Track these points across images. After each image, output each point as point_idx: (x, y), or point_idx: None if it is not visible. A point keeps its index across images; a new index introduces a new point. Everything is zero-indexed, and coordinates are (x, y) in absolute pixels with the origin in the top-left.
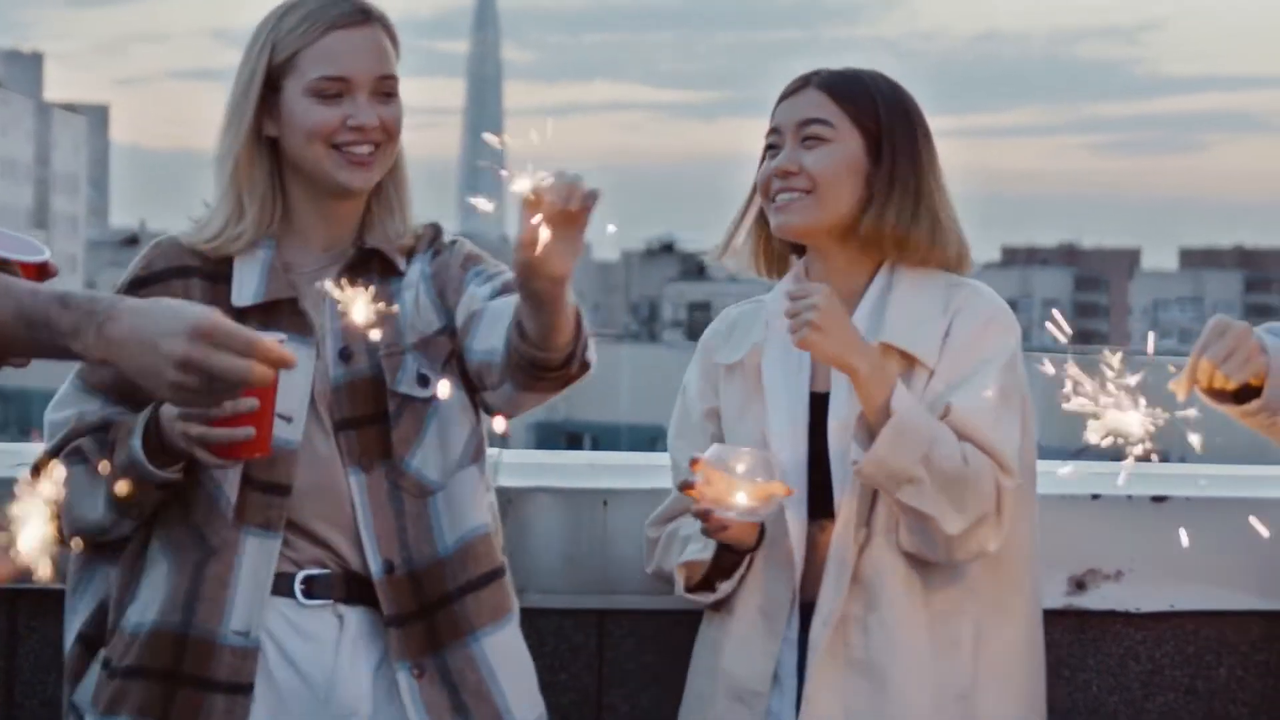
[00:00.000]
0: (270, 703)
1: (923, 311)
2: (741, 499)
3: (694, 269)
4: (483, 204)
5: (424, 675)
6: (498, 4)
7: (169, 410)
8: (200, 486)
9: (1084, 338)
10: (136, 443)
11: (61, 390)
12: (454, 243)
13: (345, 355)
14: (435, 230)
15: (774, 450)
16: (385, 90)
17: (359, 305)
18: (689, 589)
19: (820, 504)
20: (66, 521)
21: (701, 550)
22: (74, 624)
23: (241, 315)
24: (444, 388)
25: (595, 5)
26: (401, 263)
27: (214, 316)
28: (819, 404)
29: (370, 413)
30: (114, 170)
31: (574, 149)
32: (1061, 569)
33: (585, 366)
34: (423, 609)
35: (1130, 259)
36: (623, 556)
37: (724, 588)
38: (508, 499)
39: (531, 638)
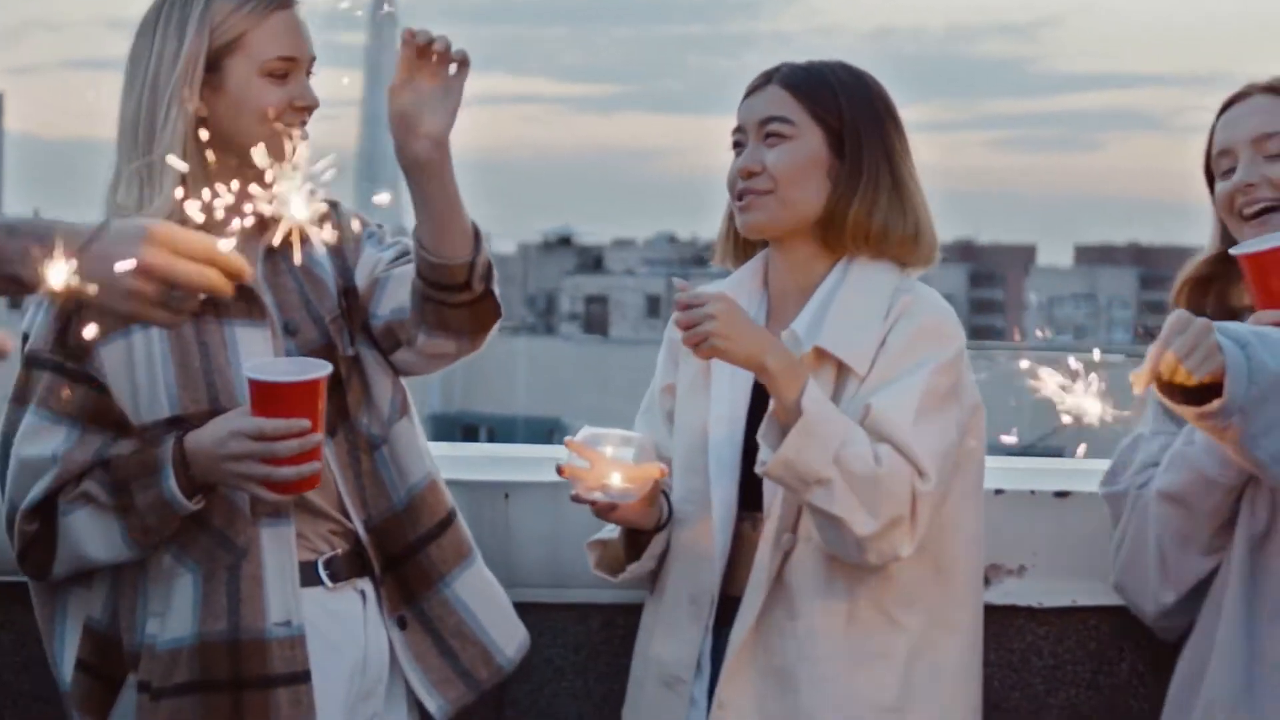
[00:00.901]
0: (322, 690)
1: (864, 316)
2: (616, 480)
3: (591, 262)
4: (382, 198)
5: (407, 626)
6: None
7: (206, 447)
8: (216, 493)
9: (979, 333)
10: (171, 484)
11: (25, 423)
12: (333, 202)
13: (290, 329)
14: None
15: (712, 439)
16: (312, 71)
17: (297, 203)
18: (597, 567)
19: (752, 498)
20: (66, 560)
21: (610, 530)
22: (66, 653)
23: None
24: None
25: None
26: (316, 233)
27: (167, 223)
28: (761, 397)
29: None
30: (7, 160)
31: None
32: None
33: (490, 295)
34: (390, 562)
35: (1026, 255)
36: (525, 549)
37: (632, 568)
38: None
39: None
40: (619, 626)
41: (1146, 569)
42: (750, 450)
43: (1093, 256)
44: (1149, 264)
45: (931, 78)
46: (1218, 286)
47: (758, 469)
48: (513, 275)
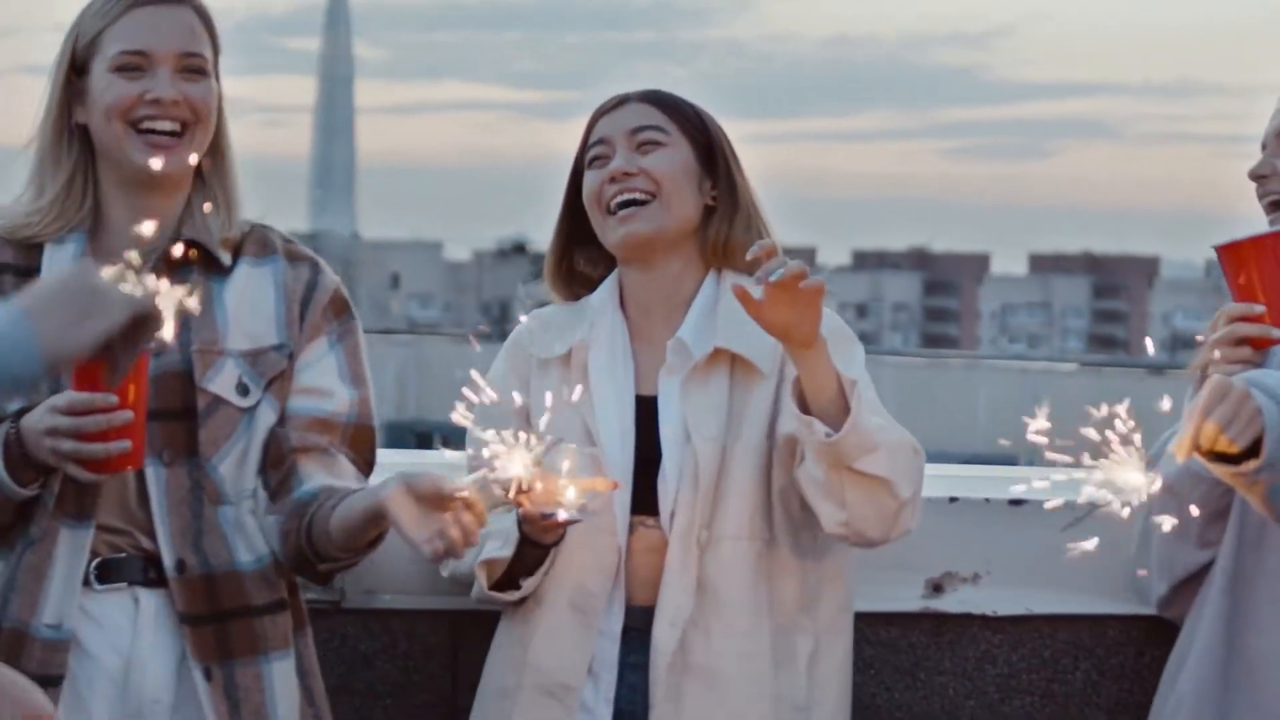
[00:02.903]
0: (68, 696)
1: (752, 322)
2: (571, 496)
3: (543, 270)
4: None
5: (211, 681)
6: (349, 2)
7: (33, 424)
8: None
9: (933, 342)
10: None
11: None
12: (318, 269)
13: (155, 347)
14: (269, 234)
15: (602, 448)
16: (191, 67)
17: (165, 301)
18: (491, 587)
19: (641, 503)
20: None
21: (501, 548)
22: None
23: None
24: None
25: (447, 4)
26: (225, 256)
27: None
28: (643, 406)
29: (176, 407)
30: None
31: (426, 148)
32: (919, 572)
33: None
34: (216, 614)
35: (980, 264)
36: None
37: (528, 584)
38: None
39: (385, 639)
40: None
41: (1149, 560)
42: (640, 460)
43: (1046, 265)
44: (1102, 273)
45: (884, 86)
46: None
47: (825, 441)
48: (466, 283)
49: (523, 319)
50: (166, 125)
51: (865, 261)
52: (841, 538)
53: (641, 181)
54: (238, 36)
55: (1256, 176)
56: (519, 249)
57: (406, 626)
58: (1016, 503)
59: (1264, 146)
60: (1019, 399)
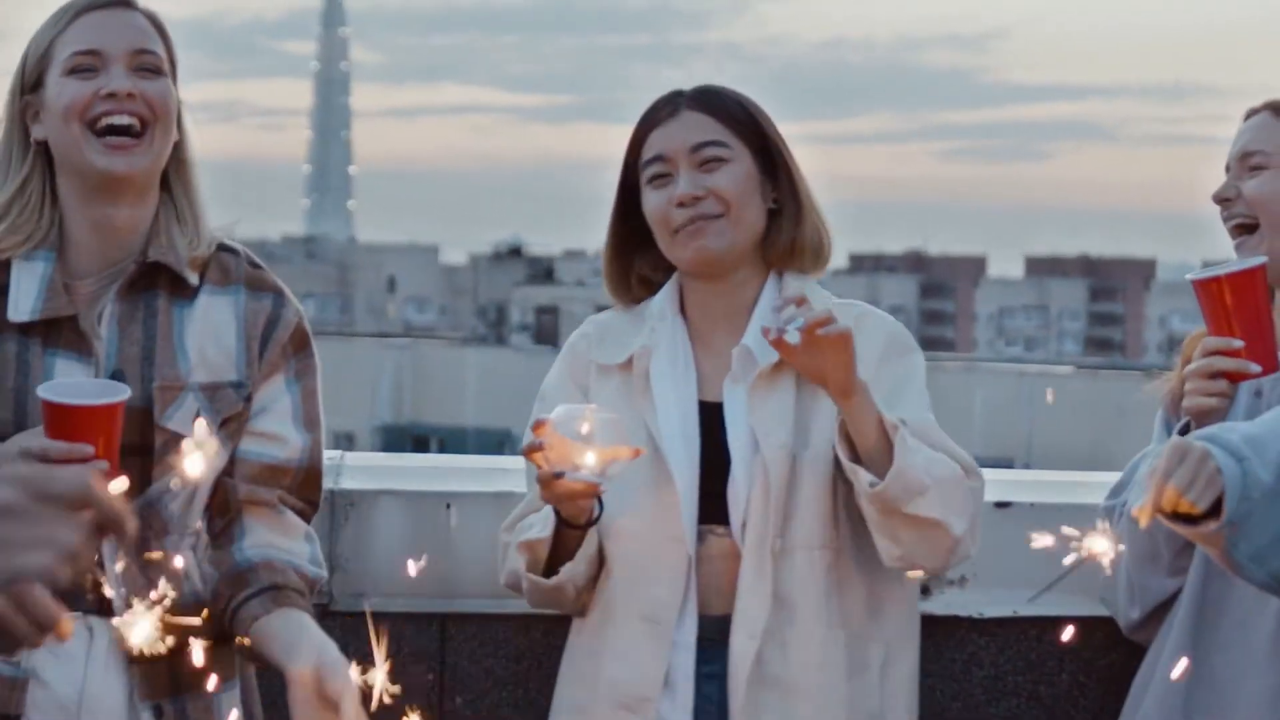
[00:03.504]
0: None
1: None
2: (590, 460)
3: (542, 273)
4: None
5: (163, 717)
6: (345, 5)
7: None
8: None
9: (930, 344)
10: None
11: None
12: (282, 301)
13: (118, 379)
14: (239, 257)
15: (670, 457)
16: (146, 65)
17: (195, 458)
18: (529, 569)
19: (708, 512)
20: None
21: (540, 530)
22: None
23: (22, 331)
24: (195, 462)
25: (444, 6)
26: (193, 277)
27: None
28: (706, 413)
29: (134, 442)
30: None
31: (422, 152)
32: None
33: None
34: (168, 650)
35: (977, 266)
36: (466, 560)
37: (566, 569)
38: (350, 502)
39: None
40: (560, 637)
41: (1119, 585)
42: (706, 467)
43: (1043, 268)
44: (1099, 275)
45: (881, 88)
46: None
47: (870, 490)
48: (463, 286)
49: (583, 326)
50: (124, 120)
51: (862, 264)
52: (901, 569)
53: (710, 204)
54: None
55: (1221, 200)
56: (515, 252)
57: (395, 629)
58: (1003, 505)
59: (1228, 169)
60: (1015, 401)
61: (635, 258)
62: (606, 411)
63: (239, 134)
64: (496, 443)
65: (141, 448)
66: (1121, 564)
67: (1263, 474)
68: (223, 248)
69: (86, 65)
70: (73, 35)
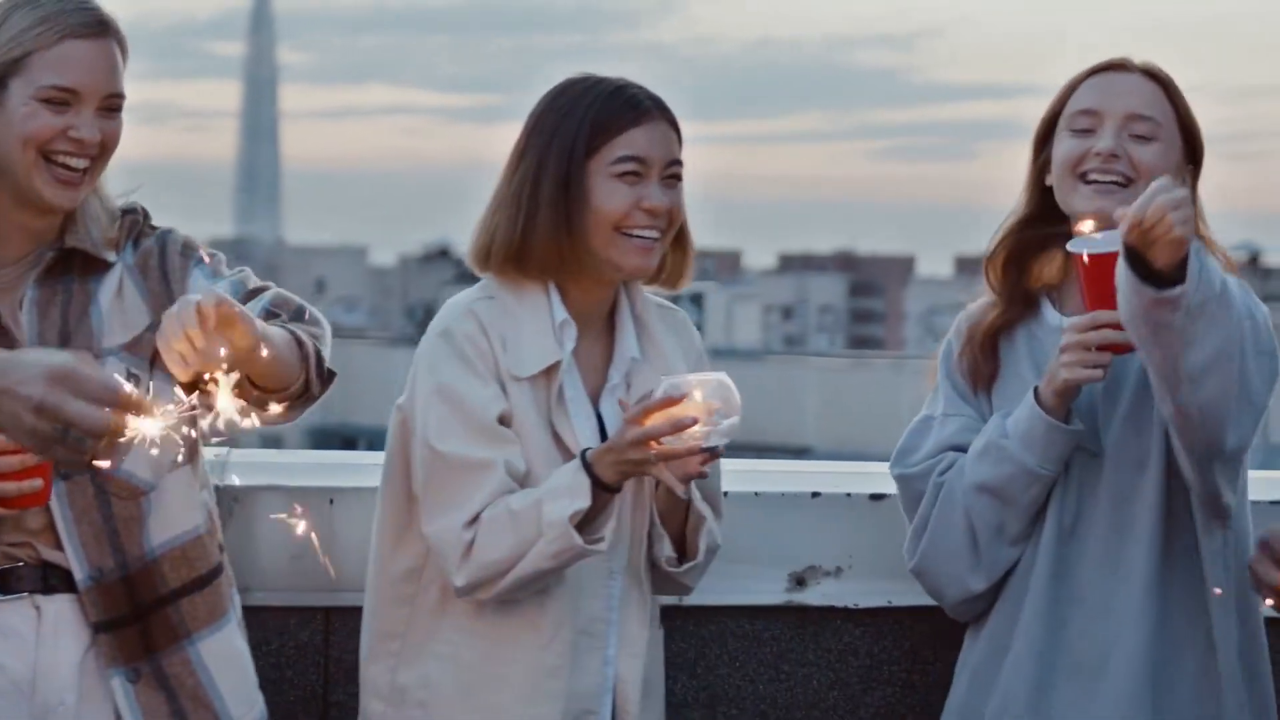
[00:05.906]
0: None
1: None
2: (725, 424)
3: (469, 274)
4: None
5: (140, 679)
6: (274, 6)
7: None
8: None
9: (859, 343)
10: None
11: None
12: (167, 231)
13: None
14: (138, 216)
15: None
16: (113, 106)
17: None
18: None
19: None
20: None
21: (581, 501)
22: None
23: None
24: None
25: (372, 7)
26: (110, 255)
27: (73, 362)
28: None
29: None
30: None
31: (351, 153)
32: (782, 565)
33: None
34: (136, 612)
35: (905, 266)
36: (348, 554)
37: (610, 528)
38: (234, 497)
39: (256, 635)
40: None
41: (955, 556)
42: None
43: (973, 267)
44: None
45: (810, 88)
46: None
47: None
48: (391, 287)
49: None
50: (80, 163)
51: (791, 264)
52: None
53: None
54: (162, 41)
55: (1109, 155)
56: (443, 253)
57: (278, 623)
58: (877, 497)
59: (1090, 114)
60: None
61: (560, 241)
62: (712, 373)
63: (167, 136)
64: None
65: None
66: (958, 535)
67: (1215, 272)
68: (125, 211)
69: (61, 100)
70: (55, 62)
